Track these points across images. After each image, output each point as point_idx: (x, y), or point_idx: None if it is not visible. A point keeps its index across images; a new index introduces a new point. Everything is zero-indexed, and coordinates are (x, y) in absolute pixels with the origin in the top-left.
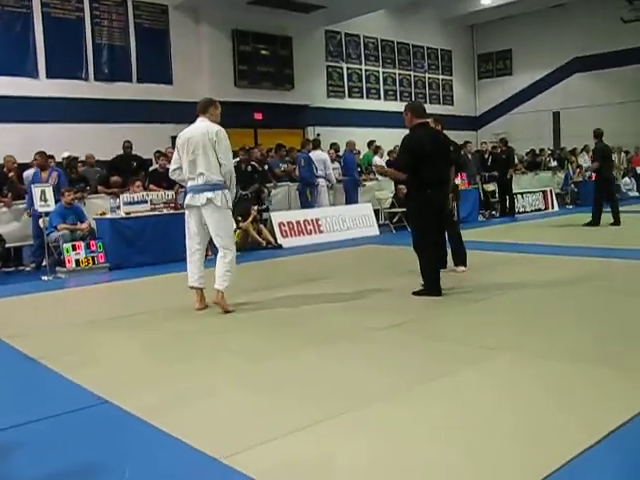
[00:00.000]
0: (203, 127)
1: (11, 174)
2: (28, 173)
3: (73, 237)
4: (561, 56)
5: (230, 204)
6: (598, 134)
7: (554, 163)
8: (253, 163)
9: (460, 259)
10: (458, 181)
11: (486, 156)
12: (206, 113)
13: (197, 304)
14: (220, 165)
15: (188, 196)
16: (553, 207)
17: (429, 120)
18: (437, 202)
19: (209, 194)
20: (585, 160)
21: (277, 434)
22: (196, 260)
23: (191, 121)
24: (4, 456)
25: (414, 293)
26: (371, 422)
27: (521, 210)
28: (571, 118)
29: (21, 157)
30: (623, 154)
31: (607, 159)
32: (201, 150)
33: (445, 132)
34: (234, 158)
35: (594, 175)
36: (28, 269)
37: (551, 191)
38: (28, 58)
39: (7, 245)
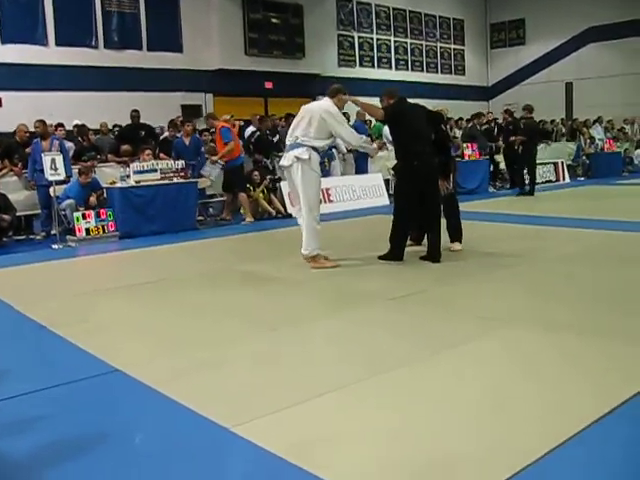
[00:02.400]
0: (323, 103)
1: (27, 148)
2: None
3: (87, 207)
4: (575, 26)
5: (315, 165)
6: (529, 109)
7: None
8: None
9: (455, 235)
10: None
11: (500, 122)
12: (334, 98)
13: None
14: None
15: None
16: (564, 179)
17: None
18: (422, 173)
19: (295, 152)
20: (598, 132)
21: (289, 403)
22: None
23: (202, 89)
24: (15, 423)
25: (379, 257)
26: (385, 391)
27: None
28: (584, 89)
29: (31, 126)
30: (637, 125)
31: (535, 135)
32: (308, 118)
33: (456, 102)
34: (247, 127)
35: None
36: (39, 238)
37: (562, 163)
38: (38, 26)
39: (18, 214)
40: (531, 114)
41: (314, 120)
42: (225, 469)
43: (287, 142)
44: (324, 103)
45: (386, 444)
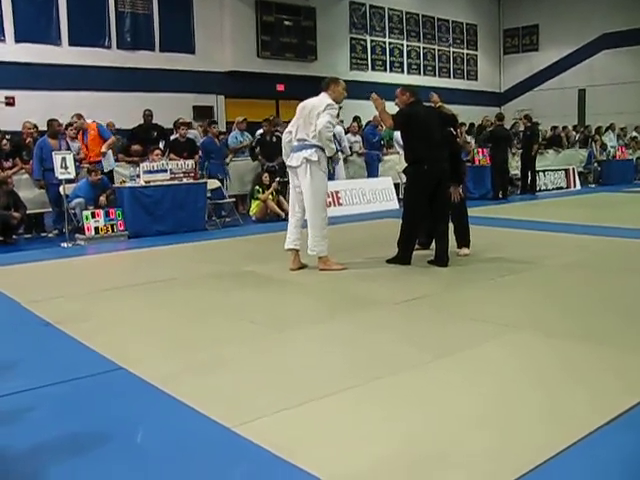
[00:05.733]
0: (318, 100)
1: (28, 140)
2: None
3: (97, 206)
4: (589, 32)
5: (323, 166)
6: (499, 117)
7: (577, 136)
8: (278, 133)
9: (463, 240)
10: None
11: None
12: (327, 90)
13: (290, 264)
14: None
15: (288, 158)
16: (575, 186)
17: None
18: (433, 178)
19: (304, 153)
20: (610, 139)
21: (291, 404)
22: (292, 223)
23: (213, 91)
24: (18, 419)
25: (387, 261)
26: (388, 394)
27: (543, 188)
28: (597, 96)
29: (43, 124)
30: None
31: (502, 143)
32: (306, 118)
33: (468, 107)
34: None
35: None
36: (51, 235)
37: (574, 169)
38: (51, 25)
39: (28, 211)
40: (501, 122)
41: (312, 118)
42: (225, 468)
43: (285, 141)
44: (317, 100)
45: (384, 446)
